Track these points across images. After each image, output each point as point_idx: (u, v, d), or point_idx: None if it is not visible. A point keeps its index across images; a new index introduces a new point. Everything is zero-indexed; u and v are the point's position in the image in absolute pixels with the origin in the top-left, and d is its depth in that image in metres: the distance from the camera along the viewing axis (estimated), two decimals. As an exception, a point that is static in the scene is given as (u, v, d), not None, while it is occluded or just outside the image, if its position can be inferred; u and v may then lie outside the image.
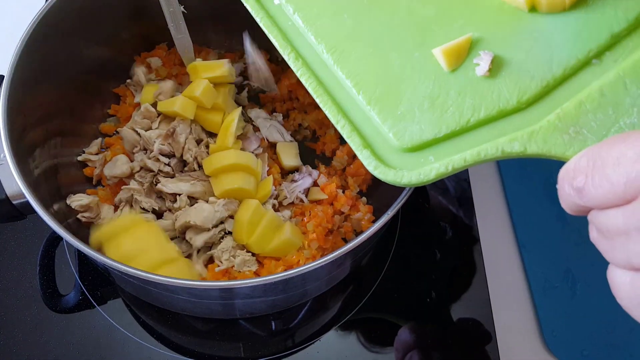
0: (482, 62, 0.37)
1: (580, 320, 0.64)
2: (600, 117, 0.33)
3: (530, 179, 0.73)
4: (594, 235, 0.28)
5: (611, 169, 0.25)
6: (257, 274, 0.60)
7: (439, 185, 0.72)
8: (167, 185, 0.61)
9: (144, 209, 0.62)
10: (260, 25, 0.42)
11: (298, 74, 0.40)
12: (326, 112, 0.38)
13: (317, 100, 0.38)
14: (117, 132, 0.68)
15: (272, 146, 0.69)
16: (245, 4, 0.45)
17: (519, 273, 0.68)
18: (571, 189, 0.27)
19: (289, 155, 0.68)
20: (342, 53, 0.39)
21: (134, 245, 0.55)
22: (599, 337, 0.63)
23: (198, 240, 0.59)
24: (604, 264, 0.72)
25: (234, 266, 0.59)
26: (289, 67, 0.75)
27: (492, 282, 0.65)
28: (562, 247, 0.69)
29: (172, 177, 0.63)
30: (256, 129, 0.69)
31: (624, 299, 0.27)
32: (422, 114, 0.36)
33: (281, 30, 0.42)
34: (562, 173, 0.28)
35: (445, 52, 0.37)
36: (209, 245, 0.60)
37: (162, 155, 0.63)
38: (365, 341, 0.61)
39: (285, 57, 0.41)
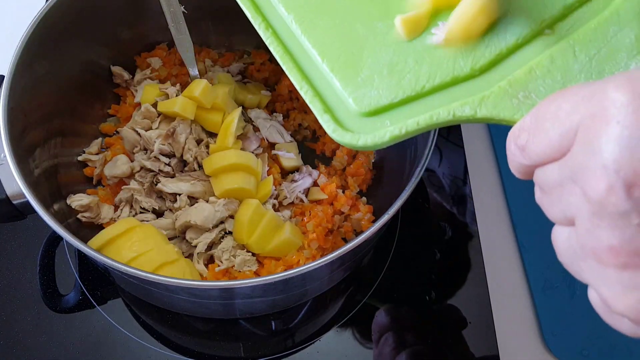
0: (439, 32, 0.39)
1: (580, 320, 0.64)
2: (549, 82, 0.34)
3: (530, 180, 0.73)
4: (537, 196, 0.29)
5: (549, 122, 0.26)
6: (257, 274, 0.60)
7: (438, 184, 0.72)
8: (168, 185, 0.61)
9: (144, 208, 0.62)
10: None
11: (267, 43, 0.42)
12: (291, 79, 0.40)
13: (284, 68, 0.41)
14: (117, 132, 0.68)
15: (272, 146, 0.69)
16: None
17: (519, 273, 0.68)
18: (516, 148, 0.28)
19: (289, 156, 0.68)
20: (310, 24, 0.42)
21: (132, 248, 0.55)
22: (599, 337, 0.63)
23: (199, 243, 0.59)
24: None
25: (234, 266, 0.59)
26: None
27: (492, 282, 0.65)
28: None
29: (173, 177, 0.63)
30: (256, 129, 0.69)
31: (562, 256, 0.28)
32: (381, 80, 0.38)
33: (254, 3, 0.44)
34: (509, 134, 0.29)
35: (405, 22, 0.39)
36: (209, 245, 0.60)
37: (162, 155, 0.63)
38: (365, 340, 0.61)
39: (257, 27, 0.43)
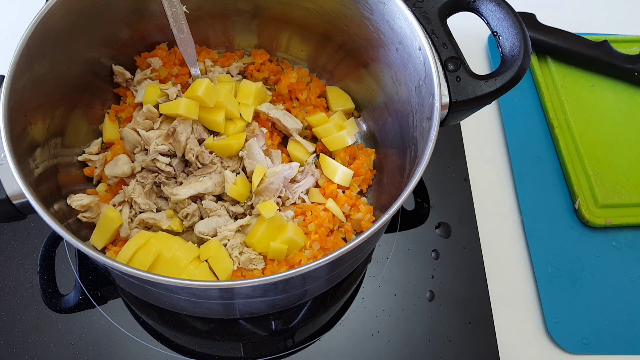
0: None
1: (583, 310, 0.65)
2: None
3: (541, 170, 0.74)
4: None
5: None
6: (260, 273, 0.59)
7: (438, 184, 0.72)
8: (180, 192, 0.61)
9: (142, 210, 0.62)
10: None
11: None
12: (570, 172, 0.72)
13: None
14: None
15: (284, 141, 0.71)
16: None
17: (524, 261, 0.68)
18: None
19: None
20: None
21: (157, 255, 0.55)
22: (600, 327, 0.64)
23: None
24: (609, 254, 0.71)
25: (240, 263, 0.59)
26: (288, 67, 0.75)
27: (495, 275, 0.66)
28: (567, 238, 0.69)
29: (174, 177, 0.63)
30: (262, 123, 0.69)
31: None
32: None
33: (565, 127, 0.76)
34: None
35: None
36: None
37: (162, 155, 0.62)
38: (364, 340, 0.61)
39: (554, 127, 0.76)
